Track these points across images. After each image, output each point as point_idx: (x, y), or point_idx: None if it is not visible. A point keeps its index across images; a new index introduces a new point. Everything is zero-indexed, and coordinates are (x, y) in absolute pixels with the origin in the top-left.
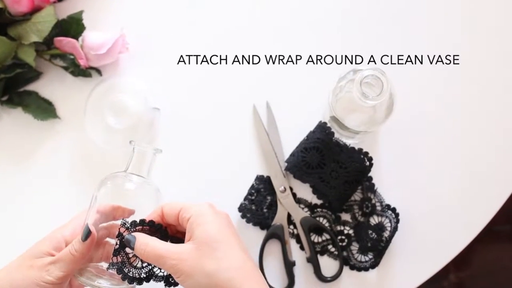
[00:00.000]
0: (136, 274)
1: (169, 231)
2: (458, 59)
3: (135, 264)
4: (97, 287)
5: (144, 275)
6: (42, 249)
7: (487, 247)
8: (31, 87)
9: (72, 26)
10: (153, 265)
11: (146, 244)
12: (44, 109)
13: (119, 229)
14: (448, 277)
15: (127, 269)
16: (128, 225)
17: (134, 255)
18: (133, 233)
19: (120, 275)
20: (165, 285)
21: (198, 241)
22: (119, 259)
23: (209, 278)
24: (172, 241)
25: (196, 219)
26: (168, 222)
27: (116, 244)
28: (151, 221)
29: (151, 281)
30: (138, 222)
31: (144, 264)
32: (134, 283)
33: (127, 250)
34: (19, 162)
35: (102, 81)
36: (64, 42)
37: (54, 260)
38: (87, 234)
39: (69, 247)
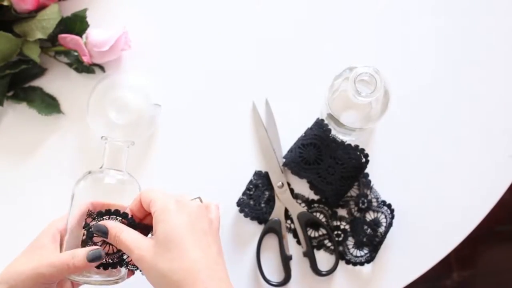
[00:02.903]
0: (110, 260)
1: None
2: (454, 55)
3: (106, 251)
4: (93, 281)
5: (117, 260)
6: (44, 242)
7: (490, 247)
8: (36, 83)
9: (76, 24)
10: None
11: (118, 236)
12: (48, 104)
13: (85, 219)
14: (452, 276)
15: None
16: (95, 215)
17: (104, 242)
18: (104, 222)
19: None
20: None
21: (157, 239)
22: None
23: (162, 278)
24: (142, 232)
25: (159, 215)
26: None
27: (84, 234)
28: (116, 210)
29: (123, 267)
30: (104, 212)
31: (115, 250)
32: (109, 268)
33: (95, 239)
34: (24, 155)
35: (105, 78)
36: (68, 39)
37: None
38: (97, 258)
39: (69, 259)
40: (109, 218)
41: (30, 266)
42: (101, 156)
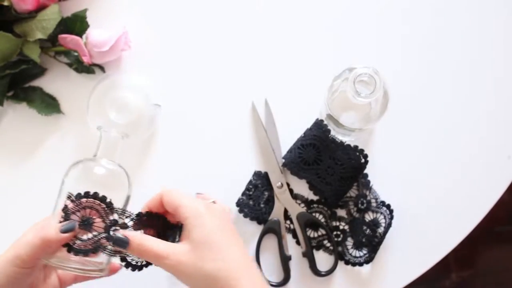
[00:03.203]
0: (90, 246)
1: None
2: (453, 56)
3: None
4: (72, 269)
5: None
6: (28, 239)
7: (489, 247)
8: (36, 83)
9: (76, 24)
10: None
11: (143, 246)
12: (48, 104)
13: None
14: (450, 276)
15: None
16: (73, 198)
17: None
18: (125, 233)
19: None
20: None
21: (195, 243)
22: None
23: (208, 279)
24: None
25: (193, 221)
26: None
27: (62, 217)
28: (149, 213)
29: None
30: (83, 194)
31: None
32: (88, 254)
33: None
34: (24, 155)
35: (105, 78)
36: (68, 39)
37: (25, 242)
38: (70, 229)
39: (40, 233)
40: (87, 202)
41: (8, 253)
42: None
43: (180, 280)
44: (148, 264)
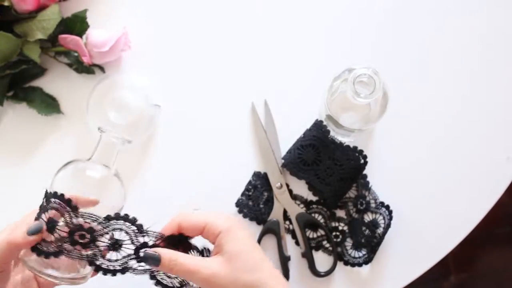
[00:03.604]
0: (111, 267)
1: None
2: (453, 57)
3: (108, 258)
4: (46, 275)
5: (119, 267)
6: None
7: (488, 249)
8: (36, 83)
9: (76, 24)
10: (129, 258)
11: (175, 261)
12: (48, 105)
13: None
14: (449, 278)
15: (99, 262)
16: (70, 211)
17: (108, 247)
18: (154, 249)
19: (92, 267)
20: (151, 279)
21: (230, 255)
22: (89, 251)
23: None
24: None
25: (225, 235)
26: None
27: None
28: (174, 235)
29: (128, 272)
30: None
31: (119, 257)
32: (108, 274)
33: (98, 243)
34: (23, 155)
35: (105, 78)
36: (68, 40)
37: None
38: (37, 231)
39: (8, 236)
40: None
41: None
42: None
43: None
44: (181, 286)
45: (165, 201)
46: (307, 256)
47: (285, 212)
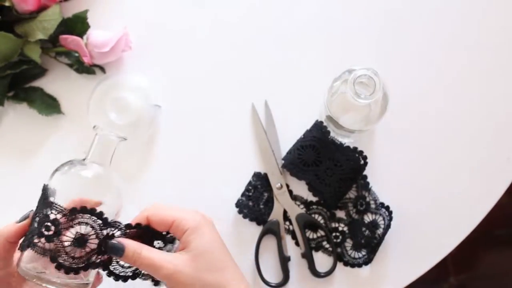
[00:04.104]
0: (123, 273)
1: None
2: (453, 58)
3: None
4: (46, 282)
5: (130, 273)
6: None
7: (488, 251)
8: (37, 83)
9: (77, 25)
10: (93, 252)
11: (139, 254)
12: (48, 105)
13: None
14: (449, 279)
15: (113, 267)
16: (67, 213)
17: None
18: (120, 240)
19: (106, 272)
20: (103, 270)
21: (195, 253)
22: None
23: None
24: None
25: (192, 231)
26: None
27: (36, 221)
28: (139, 224)
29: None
30: (78, 209)
31: (82, 254)
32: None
33: (62, 237)
34: (24, 156)
35: (105, 78)
36: (69, 40)
37: None
38: (25, 217)
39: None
40: (82, 218)
41: None
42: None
43: None
44: (135, 276)
45: (165, 201)
46: (307, 257)
47: (285, 212)
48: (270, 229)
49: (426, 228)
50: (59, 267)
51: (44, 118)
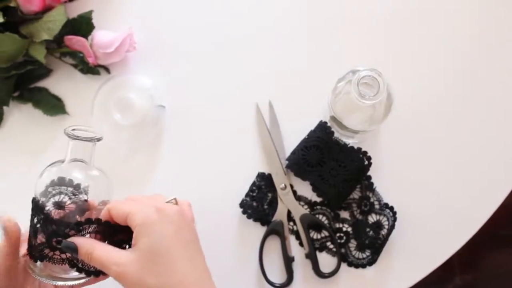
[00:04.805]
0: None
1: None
2: (458, 58)
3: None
4: (59, 279)
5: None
6: None
7: (493, 251)
8: (42, 83)
9: (81, 25)
10: (44, 246)
11: (91, 254)
12: (53, 105)
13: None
14: (454, 280)
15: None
16: (59, 230)
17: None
18: (74, 240)
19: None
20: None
21: (140, 253)
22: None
23: None
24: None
25: (140, 229)
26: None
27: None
28: (98, 220)
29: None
30: (83, 222)
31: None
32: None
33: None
34: (29, 156)
35: (110, 79)
36: (74, 41)
37: None
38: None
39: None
40: (81, 229)
41: None
42: (105, 157)
43: None
44: (98, 272)
45: None
46: (311, 257)
47: (289, 213)
48: (274, 230)
49: (430, 229)
50: (80, 271)
51: (49, 119)
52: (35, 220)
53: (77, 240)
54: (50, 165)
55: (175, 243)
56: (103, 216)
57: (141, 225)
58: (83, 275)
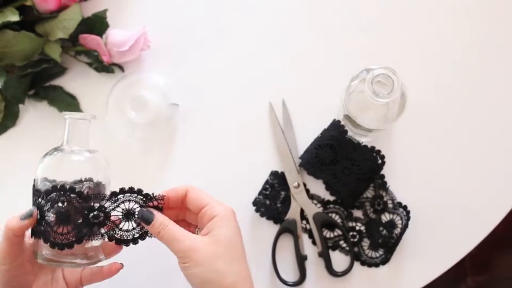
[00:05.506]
0: (130, 236)
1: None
2: (472, 57)
3: (122, 227)
4: (67, 263)
5: (137, 235)
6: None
7: (506, 252)
8: (57, 82)
9: (96, 24)
10: (139, 227)
11: (165, 226)
12: (68, 103)
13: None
14: (466, 280)
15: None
16: (109, 197)
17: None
18: (151, 210)
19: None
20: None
21: (216, 239)
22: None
23: (216, 275)
24: None
25: (220, 219)
26: (183, 206)
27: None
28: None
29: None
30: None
31: (130, 227)
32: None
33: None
34: (44, 153)
35: (124, 77)
36: (89, 39)
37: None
38: (29, 215)
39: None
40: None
41: None
42: (119, 154)
43: (184, 266)
44: (135, 240)
45: None
46: (324, 256)
47: (302, 211)
48: (287, 228)
49: (444, 229)
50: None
51: (63, 116)
52: (63, 205)
53: (155, 212)
54: (48, 152)
55: (242, 241)
56: (175, 191)
57: (222, 216)
58: (85, 261)
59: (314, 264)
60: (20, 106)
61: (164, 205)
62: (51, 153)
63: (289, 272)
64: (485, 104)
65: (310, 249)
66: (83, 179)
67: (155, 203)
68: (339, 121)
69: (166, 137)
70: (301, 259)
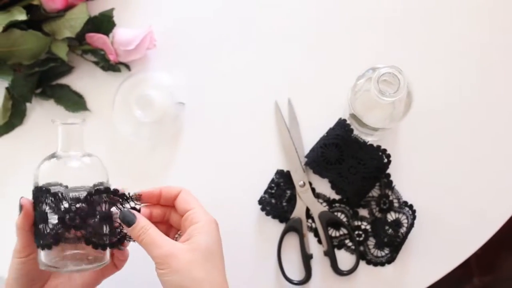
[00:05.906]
0: (107, 240)
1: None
2: (478, 56)
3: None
4: (69, 271)
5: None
6: None
7: None
8: (63, 80)
9: (103, 23)
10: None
11: (146, 230)
12: (75, 102)
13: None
14: (472, 280)
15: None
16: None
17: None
18: (133, 212)
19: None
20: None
21: (194, 246)
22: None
23: (192, 283)
24: None
25: (201, 227)
26: (173, 206)
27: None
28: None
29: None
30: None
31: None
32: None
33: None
34: (50, 151)
35: (131, 76)
36: (95, 38)
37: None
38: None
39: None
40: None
41: None
42: (126, 153)
43: (161, 273)
44: (113, 244)
45: None
46: (330, 255)
47: (307, 210)
48: (292, 227)
49: (450, 228)
50: (96, 247)
51: (70, 115)
52: (44, 206)
53: (138, 214)
54: (45, 158)
55: (221, 251)
56: (169, 188)
57: (204, 224)
58: (91, 265)
59: (319, 263)
60: (27, 104)
61: (155, 201)
62: (48, 159)
63: (295, 271)
64: (492, 103)
65: (315, 248)
66: (80, 186)
67: (132, 204)
68: (345, 120)
69: (172, 136)
70: (306, 258)
